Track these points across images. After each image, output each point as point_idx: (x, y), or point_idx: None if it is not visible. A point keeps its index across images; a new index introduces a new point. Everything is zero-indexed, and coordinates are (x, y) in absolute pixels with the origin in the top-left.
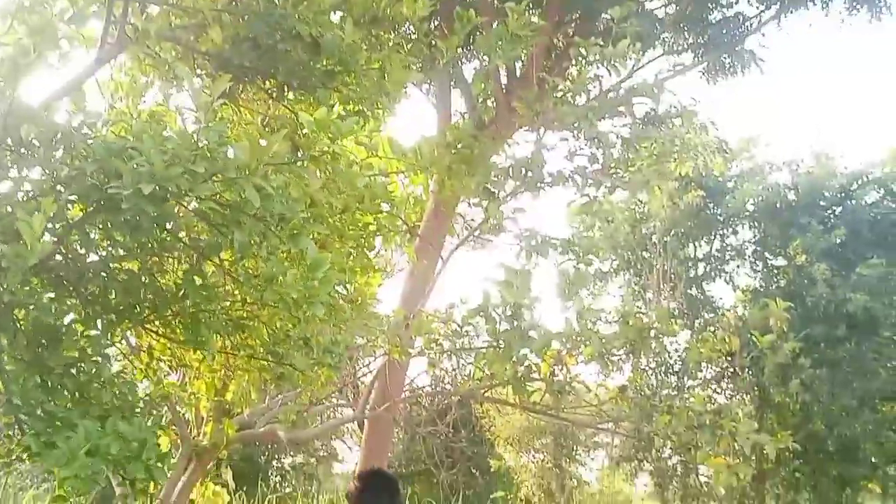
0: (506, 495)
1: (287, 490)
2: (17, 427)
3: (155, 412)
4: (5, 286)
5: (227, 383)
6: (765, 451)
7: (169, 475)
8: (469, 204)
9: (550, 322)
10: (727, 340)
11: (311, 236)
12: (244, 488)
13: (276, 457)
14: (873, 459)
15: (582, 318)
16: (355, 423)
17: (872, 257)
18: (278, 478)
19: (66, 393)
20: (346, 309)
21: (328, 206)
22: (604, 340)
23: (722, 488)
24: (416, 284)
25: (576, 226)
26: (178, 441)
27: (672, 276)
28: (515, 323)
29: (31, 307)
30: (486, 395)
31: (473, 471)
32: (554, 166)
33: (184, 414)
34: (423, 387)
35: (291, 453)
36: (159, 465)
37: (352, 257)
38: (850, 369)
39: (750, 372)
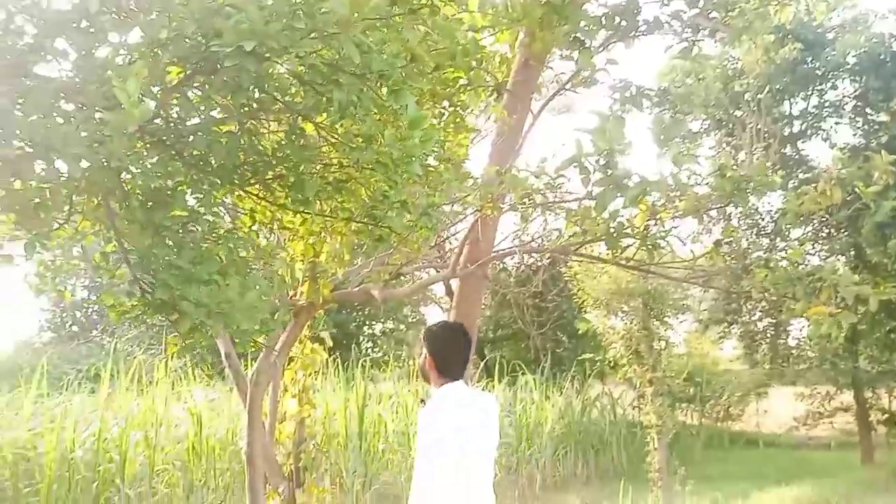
0: (593, 357)
1: (379, 354)
2: (138, 286)
3: (266, 268)
4: (111, 152)
5: (322, 245)
6: (861, 310)
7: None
8: (560, 56)
9: (645, 173)
10: (828, 193)
11: (411, 93)
12: (338, 352)
13: (368, 323)
14: None
15: (677, 169)
16: (444, 292)
17: None
18: (370, 343)
19: (184, 251)
20: (441, 169)
21: (426, 63)
22: (700, 194)
23: (813, 351)
24: (505, 141)
25: (666, 83)
26: (277, 301)
27: (766, 134)
28: (609, 172)
29: (138, 171)
30: (577, 251)
31: (560, 334)
32: (649, 13)
33: (280, 274)
34: (514, 246)
35: (382, 320)
36: (271, 318)
37: (445, 116)
38: None
39: (846, 232)
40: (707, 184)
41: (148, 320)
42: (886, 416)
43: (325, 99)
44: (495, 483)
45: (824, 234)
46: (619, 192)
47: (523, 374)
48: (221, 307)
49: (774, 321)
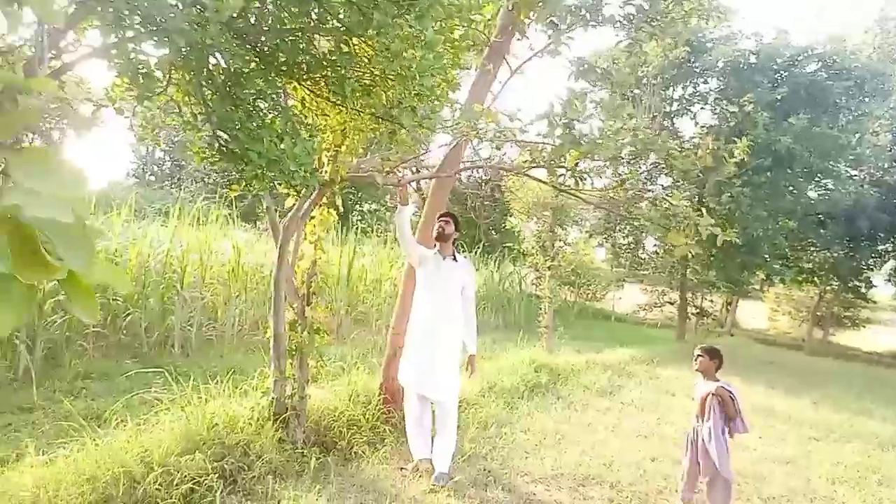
0: (512, 246)
1: (365, 226)
2: (217, 140)
3: (311, 139)
4: (207, 35)
5: (345, 138)
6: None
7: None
8: (535, 30)
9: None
10: (704, 157)
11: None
12: (337, 222)
13: (359, 202)
14: (766, 255)
15: (609, 130)
16: (415, 188)
17: (801, 113)
18: (359, 217)
19: (253, 117)
20: (443, 87)
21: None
22: (618, 146)
23: (657, 263)
24: (483, 86)
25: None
26: (316, 164)
27: (654, 110)
28: (570, 130)
29: (224, 52)
30: (526, 172)
31: (491, 228)
32: (608, 10)
33: (319, 142)
34: (483, 161)
35: (370, 201)
36: (313, 176)
37: (448, 52)
38: (768, 191)
39: (693, 185)
40: (625, 140)
41: (217, 168)
42: (697, 310)
43: (366, 18)
44: None
45: (676, 186)
46: (573, 147)
47: (465, 250)
48: (277, 156)
49: (635, 239)
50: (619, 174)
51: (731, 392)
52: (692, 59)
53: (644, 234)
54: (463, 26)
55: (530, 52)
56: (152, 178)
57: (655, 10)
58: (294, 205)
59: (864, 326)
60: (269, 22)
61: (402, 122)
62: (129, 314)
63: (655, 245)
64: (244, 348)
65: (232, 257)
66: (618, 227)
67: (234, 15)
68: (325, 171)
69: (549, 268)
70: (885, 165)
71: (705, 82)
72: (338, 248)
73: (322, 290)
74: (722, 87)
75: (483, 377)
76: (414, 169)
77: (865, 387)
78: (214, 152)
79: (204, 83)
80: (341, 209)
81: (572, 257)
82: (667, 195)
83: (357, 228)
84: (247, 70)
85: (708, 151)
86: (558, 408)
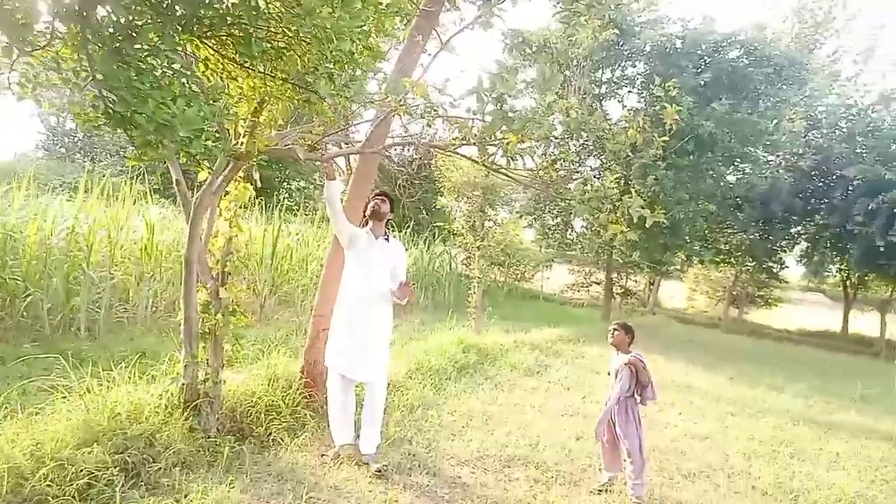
0: (442, 226)
1: (292, 204)
2: (102, 101)
3: (213, 103)
4: None
5: (261, 108)
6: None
7: (215, 166)
8: (466, 2)
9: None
10: (634, 136)
11: None
12: (263, 199)
13: (287, 180)
14: (687, 237)
15: (541, 107)
16: (345, 165)
17: (723, 98)
18: (286, 195)
19: (144, 76)
20: (364, 55)
21: None
22: (551, 126)
23: (584, 243)
24: (412, 59)
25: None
26: (217, 133)
27: (583, 91)
28: (500, 106)
29: (113, 1)
30: (456, 150)
31: (419, 207)
32: None
33: (223, 108)
34: (410, 137)
35: (297, 180)
36: (216, 145)
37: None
38: (690, 174)
39: (621, 167)
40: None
41: (110, 134)
42: (622, 290)
43: None
44: None
45: (606, 168)
46: (505, 124)
47: (394, 230)
48: (166, 120)
49: (564, 220)
50: (550, 154)
51: (643, 361)
52: (621, 43)
53: (572, 216)
54: None
55: (461, 23)
56: (62, 150)
57: None
58: (207, 179)
59: (775, 305)
60: None
61: (318, 89)
62: (28, 295)
63: (583, 226)
64: (158, 330)
65: (145, 235)
66: (547, 208)
67: None
68: (241, 144)
69: (478, 248)
70: (800, 151)
71: (633, 66)
72: (262, 226)
73: (238, 270)
74: (649, 70)
75: (410, 359)
76: (342, 144)
77: (777, 363)
78: (99, 114)
79: (90, 37)
80: (258, 184)
81: (501, 237)
82: (596, 176)
83: (283, 206)
84: (139, 23)
85: (638, 130)
86: (486, 388)
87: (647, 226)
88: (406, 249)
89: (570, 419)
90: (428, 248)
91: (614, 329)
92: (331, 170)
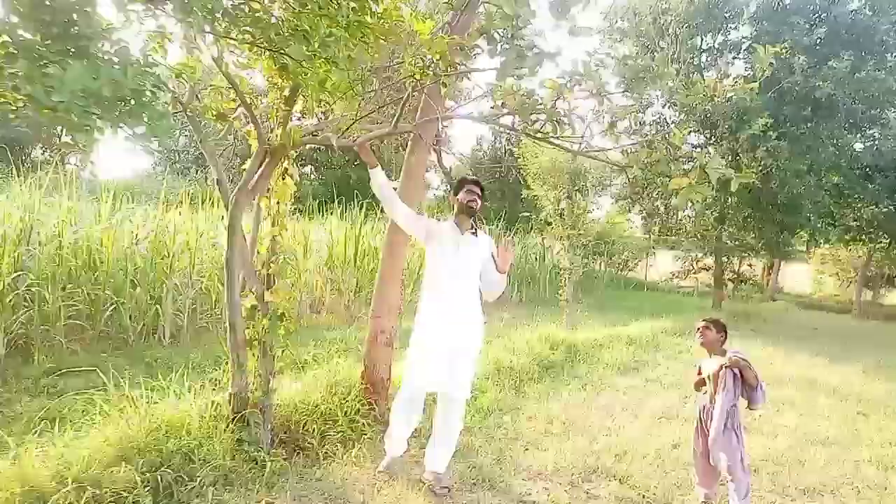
0: (531, 216)
1: (370, 202)
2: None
3: (167, 92)
4: None
5: (294, 96)
6: (729, 194)
7: (248, 165)
8: None
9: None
10: (715, 88)
11: None
12: (343, 200)
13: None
14: (809, 215)
15: (588, 58)
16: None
17: (843, 55)
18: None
19: (62, 44)
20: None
21: None
22: (602, 79)
23: (691, 227)
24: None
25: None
26: (257, 140)
27: (679, 61)
28: (514, 41)
29: None
30: (498, 120)
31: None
32: None
33: (261, 118)
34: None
35: None
36: (159, 122)
37: None
38: (808, 144)
39: (727, 141)
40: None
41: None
42: (735, 275)
43: None
44: None
45: (710, 143)
46: (519, 64)
47: (486, 223)
48: (44, 80)
49: (666, 204)
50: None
51: (745, 359)
52: (720, 4)
53: (673, 197)
54: None
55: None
56: (178, 165)
57: None
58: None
59: None
60: None
61: (290, 51)
62: (113, 303)
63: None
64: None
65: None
66: (646, 192)
67: None
68: (277, 136)
69: (567, 237)
70: None
71: (736, 28)
72: (346, 225)
73: (285, 272)
74: (754, 33)
75: (490, 359)
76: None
77: None
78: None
79: None
80: (297, 178)
81: (596, 225)
82: (665, 135)
83: (363, 205)
84: None
85: (718, 81)
86: (572, 389)
87: (733, 189)
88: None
89: (667, 424)
90: (521, 239)
91: (704, 327)
92: (369, 156)
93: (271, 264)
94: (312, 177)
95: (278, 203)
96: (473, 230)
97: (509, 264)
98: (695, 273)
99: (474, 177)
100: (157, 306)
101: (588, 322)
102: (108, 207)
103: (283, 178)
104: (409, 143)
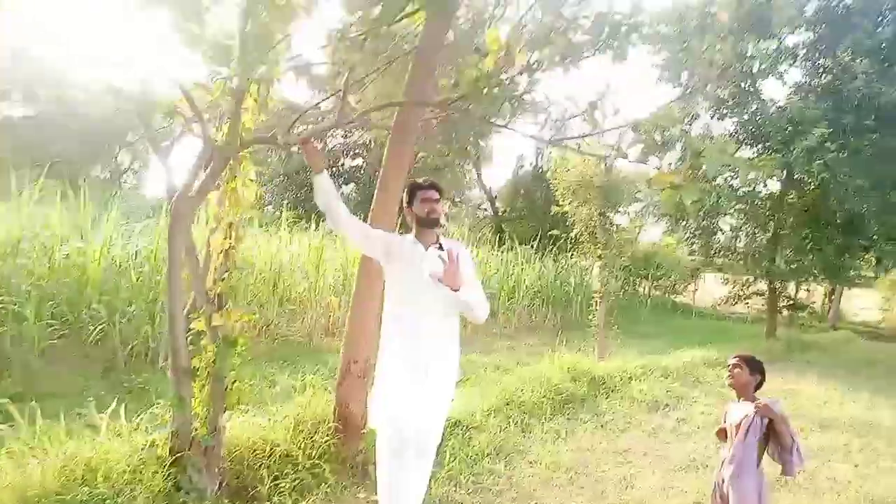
0: (560, 233)
1: None
2: None
3: None
4: None
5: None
6: (782, 216)
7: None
8: None
9: None
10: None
11: None
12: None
13: None
14: (874, 236)
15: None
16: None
17: None
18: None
19: None
20: None
21: None
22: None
23: (741, 246)
24: None
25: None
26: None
27: (723, 65)
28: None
29: None
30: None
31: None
32: None
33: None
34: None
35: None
36: None
37: None
38: (871, 157)
39: (780, 153)
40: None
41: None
42: (791, 302)
43: None
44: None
45: (761, 154)
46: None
47: (520, 244)
48: None
49: (711, 222)
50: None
51: (776, 409)
52: (773, 8)
53: (719, 215)
54: None
55: None
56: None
57: None
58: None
59: None
60: None
61: None
62: (102, 324)
63: (735, 228)
64: (250, 355)
65: None
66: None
67: None
68: (223, 135)
69: (599, 256)
70: None
71: (791, 33)
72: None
73: (237, 290)
74: (814, 38)
75: (498, 391)
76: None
77: None
78: None
79: None
80: (253, 183)
81: (634, 245)
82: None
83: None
84: None
85: None
86: (588, 429)
87: (794, 213)
88: (529, 261)
89: (693, 474)
90: (555, 259)
91: (735, 364)
92: (315, 156)
93: (222, 282)
94: (352, 196)
95: (232, 212)
96: (438, 244)
97: (457, 279)
98: (746, 298)
99: (427, 179)
100: (148, 327)
101: (622, 350)
102: (110, 226)
103: (235, 183)
104: (387, 143)
